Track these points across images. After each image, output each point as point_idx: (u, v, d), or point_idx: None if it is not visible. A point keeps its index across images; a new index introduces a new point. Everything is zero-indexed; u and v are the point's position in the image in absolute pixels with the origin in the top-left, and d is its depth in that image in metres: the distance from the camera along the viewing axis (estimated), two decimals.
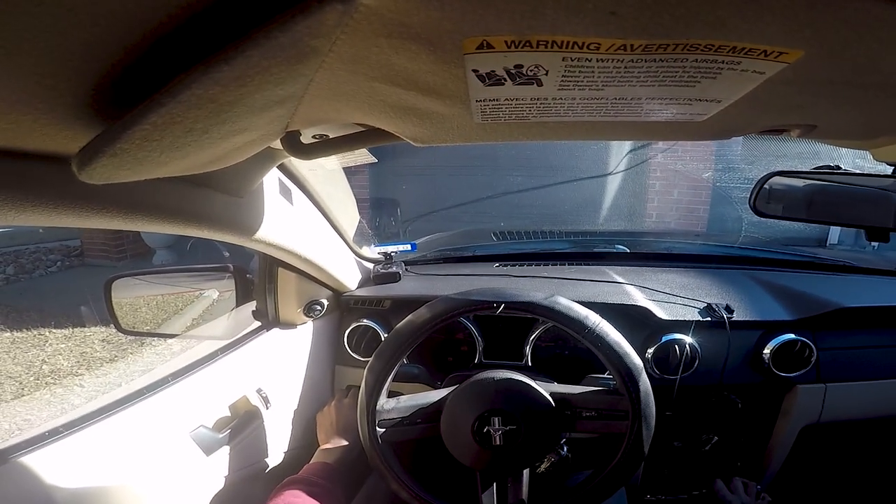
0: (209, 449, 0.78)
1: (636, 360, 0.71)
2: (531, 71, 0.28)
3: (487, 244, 1.53)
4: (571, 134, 0.43)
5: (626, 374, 0.70)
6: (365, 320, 1.05)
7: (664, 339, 0.96)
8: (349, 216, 1.09)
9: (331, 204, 0.96)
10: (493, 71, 0.28)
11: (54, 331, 3.45)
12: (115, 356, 3.14)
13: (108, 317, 0.88)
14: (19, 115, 0.25)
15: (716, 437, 1.08)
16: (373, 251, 1.24)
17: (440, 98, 0.33)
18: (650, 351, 0.96)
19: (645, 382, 0.71)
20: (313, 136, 0.47)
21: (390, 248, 1.21)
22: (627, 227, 3.54)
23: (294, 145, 0.47)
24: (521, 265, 1.26)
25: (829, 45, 0.25)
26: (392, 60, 0.27)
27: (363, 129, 0.46)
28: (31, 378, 2.88)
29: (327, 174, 0.94)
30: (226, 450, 0.81)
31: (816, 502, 1.19)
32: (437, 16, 0.22)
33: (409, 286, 1.14)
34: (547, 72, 0.28)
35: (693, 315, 0.97)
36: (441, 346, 1.05)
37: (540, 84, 0.30)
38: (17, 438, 0.60)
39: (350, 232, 1.11)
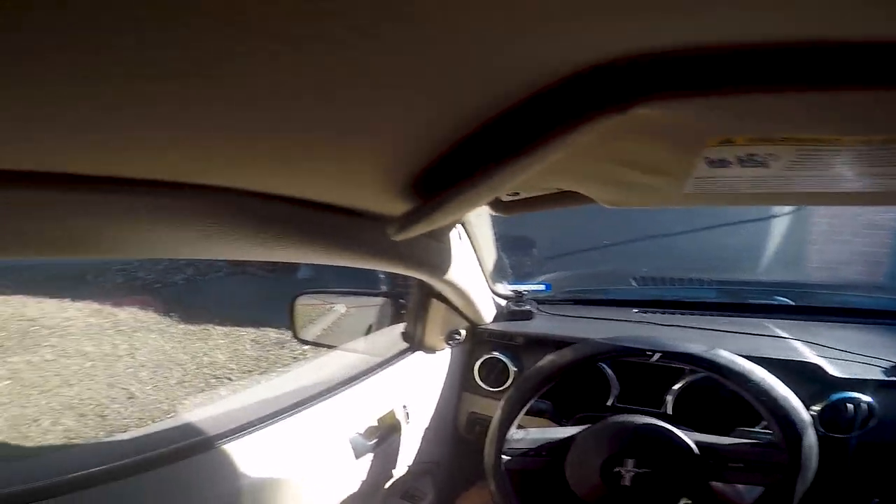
0: (359, 454, 0.87)
1: (803, 414, 0.70)
2: (762, 158, 0.30)
3: (624, 288, 1.47)
4: (779, 201, 0.43)
5: (790, 428, 0.69)
6: (496, 353, 1.08)
7: (833, 397, 0.85)
8: (489, 252, 1.15)
9: (480, 241, 1.03)
10: (725, 158, 0.30)
11: (217, 328, 4.06)
12: (260, 355, 3.60)
13: (288, 325, 1.03)
14: (365, 189, 0.34)
15: (877, 499, 0.93)
16: (506, 288, 1.27)
17: (658, 174, 0.35)
18: (815, 408, 0.87)
19: (809, 437, 0.70)
20: (508, 195, 0.53)
21: (524, 287, 1.23)
22: (788, 276, 3.08)
23: (496, 204, 0.53)
24: (662, 313, 1.20)
25: None
26: (628, 147, 0.30)
27: (558, 192, 0.50)
28: (193, 367, 3.41)
29: (479, 212, 1.01)
30: (370, 456, 0.89)
31: None
32: (692, 121, 0.24)
33: (541, 325, 1.15)
34: (779, 158, 0.30)
35: (875, 374, 0.86)
36: (570, 386, 1.05)
37: (767, 167, 0.31)
38: (219, 429, 0.72)
39: (489, 268, 1.16)
